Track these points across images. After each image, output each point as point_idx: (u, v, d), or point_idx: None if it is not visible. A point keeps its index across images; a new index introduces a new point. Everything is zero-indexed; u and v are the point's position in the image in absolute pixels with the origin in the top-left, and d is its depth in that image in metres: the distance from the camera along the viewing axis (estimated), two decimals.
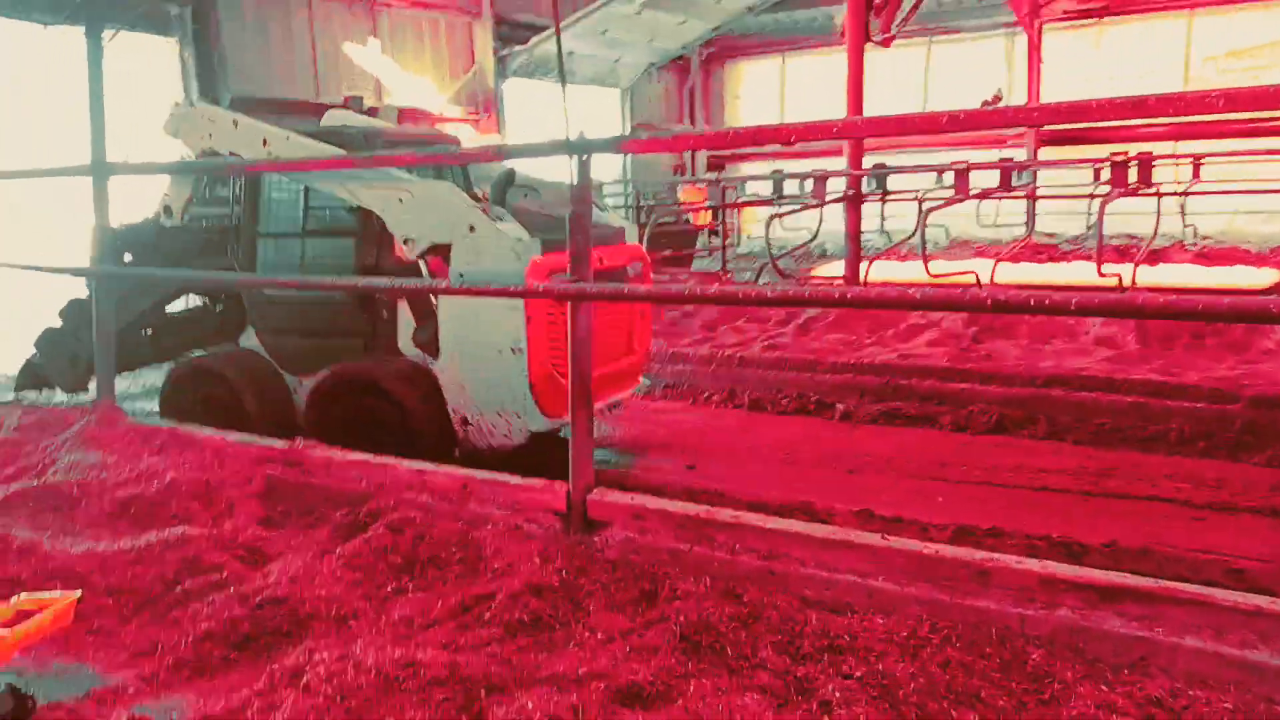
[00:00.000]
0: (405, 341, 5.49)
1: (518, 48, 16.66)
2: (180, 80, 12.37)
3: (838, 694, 2.64)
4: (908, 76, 18.90)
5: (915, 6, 12.10)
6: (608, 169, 18.40)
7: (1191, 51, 16.30)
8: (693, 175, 19.12)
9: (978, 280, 8.20)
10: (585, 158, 3.72)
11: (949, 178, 10.74)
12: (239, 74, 12.84)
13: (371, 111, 14.64)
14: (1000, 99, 15.83)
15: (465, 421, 5.24)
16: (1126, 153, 8.84)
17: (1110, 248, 12.15)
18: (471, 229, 4.96)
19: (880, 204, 12.10)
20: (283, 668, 2.82)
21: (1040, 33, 15.96)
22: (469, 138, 16.00)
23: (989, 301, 2.71)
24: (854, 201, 9.97)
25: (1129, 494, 5.19)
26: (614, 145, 4.02)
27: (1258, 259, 11.71)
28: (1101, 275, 7.96)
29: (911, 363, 7.27)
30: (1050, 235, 14.34)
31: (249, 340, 6.09)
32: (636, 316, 5.88)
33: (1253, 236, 13.81)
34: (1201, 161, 11.21)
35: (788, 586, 3.21)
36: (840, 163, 10.73)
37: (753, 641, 2.92)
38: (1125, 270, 8.44)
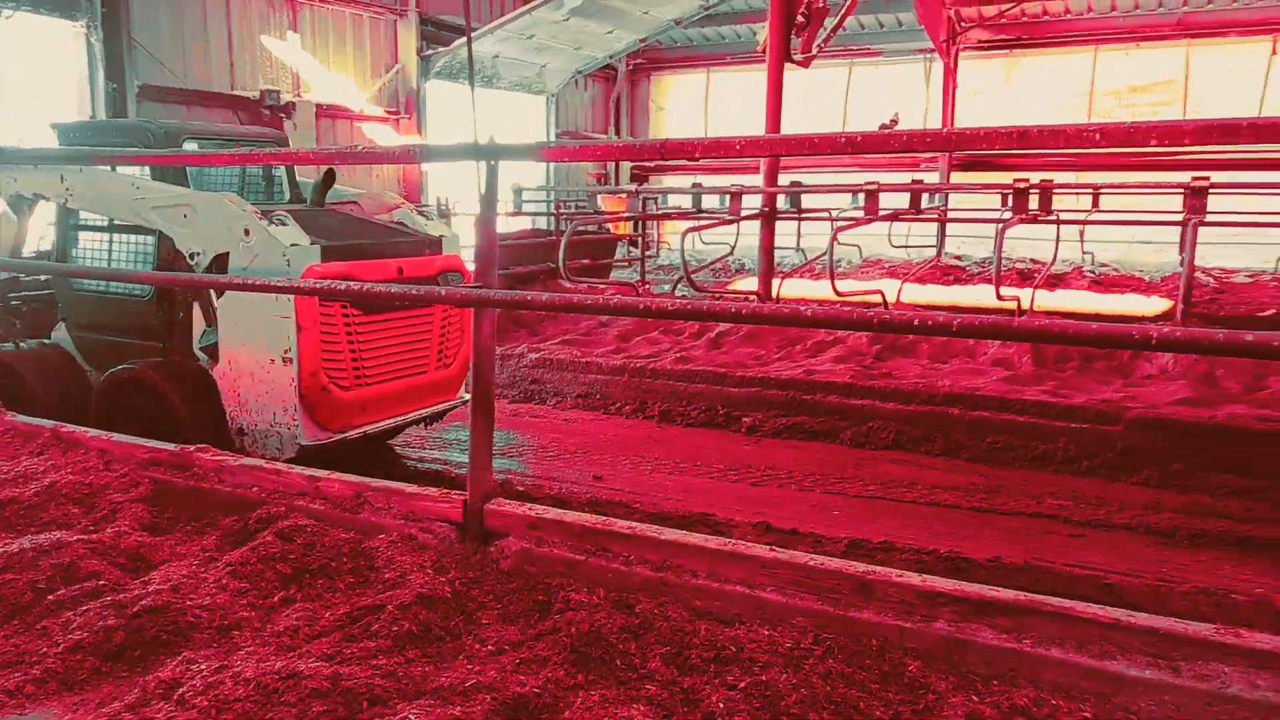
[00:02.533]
0: (197, 345, 5.52)
1: (442, 49, 16.53)
2: (86, 67, 11.92)
3: (722, 705, 2.68)
4: (829, 97, 19.33)
5: (836, 28, 12.39)
6: (531, 175, 18.36)
7: (1095, 85, 17.03)
8: (615, 185, 19.21)
9: (883, 299, 8.42)
10: (494, 163, 3.71)
11: (863, 198, 11.01)
12: (149, 62, 12.44)
13: (289, 107, 14.35)
14: (897, 122, 16.26)
15: (241, 431, 5.25)
16: (1029, 180, 9.18)
17: (1014, 271, 12.62)
18: (246, 233, 5.04)
19: (796, 221, 12.32)
20: (158, 680, 2.74)
21: (956, 60, 16.51)
22: (388, 138, 15.79)
23: (875, 321, 2.79)
24: (769, 218, 10.14)
25: (1016, 510, 5.39)
26: (525, 152, 4.01)
27: (1149, 287, 12.28)
28: (1000, 299, 8.25)
29: (816, 378, 7.43)
30: (958, 257, 14.82)
31: (59, 335, 6.21)
32: (452, 330, 5.87)
33: (1147, 265, 14.49)
34: (1100, 191, 11.71)
35: (680, 597, 3.25)
36: (759, 179, 10.91)
37: (642, 653, 2.95)
38: (1025, 294, 8.76)
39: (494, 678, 2.80)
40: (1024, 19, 16.36)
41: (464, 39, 16.28)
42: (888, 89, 18.74)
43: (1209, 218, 8.92)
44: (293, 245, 4.98)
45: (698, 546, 3.32)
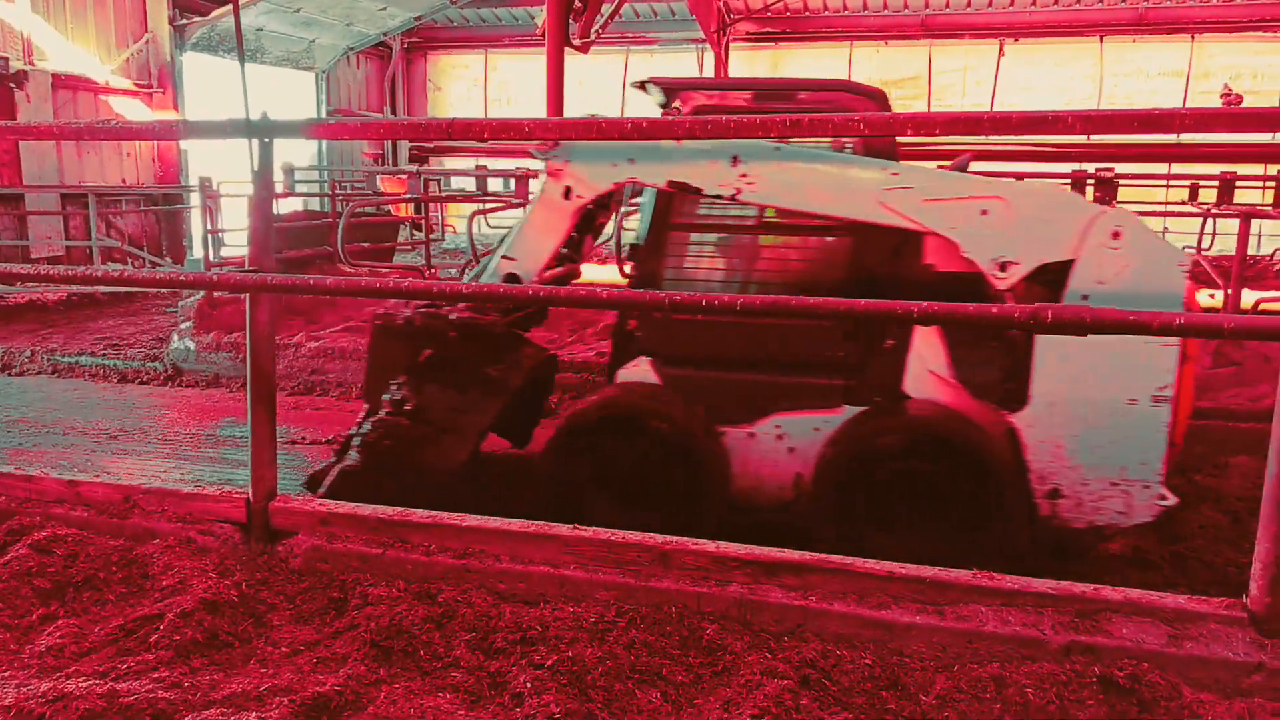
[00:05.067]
0: (918, 380, 4.24)
1: (197, 19, 15.36)
2: None
3: (529, 684, 2.70)
4: (607, 83, 19.60)
5: (613, 14, 12.59)
6: (301, 154, 17.45)
7: (852, 79, 18.26)
8: (394, 166, 18.63)
9: None
10: (267, 141, 3.51)
11: None
12: None
13: (19, 76, 12.89)
14: (679, 109, 16.79)
15: (1055, 494, 4.02)
16: None
17: None
18: (1115, 236, 3.79)
19: None
20: None
21: (727, 50, 17.19)
22: (139, 113, 14.52)
23: (667, 302, 2.88)
24: None
25: None
26: (300, 129, 3.83)
27: None
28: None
29: (608, 360, 7.56)
30: None
31: (636, 373, 4.53)
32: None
33: None
34: None
35: (484, 583, 3.23)
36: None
37: (446, 641, 2.92)
38: None
39: (290, 680, 2.69)
40: (788, 14, 17.28)
41: (222, 9, 15.22)
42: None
43: None
44: (1178, 251, 3.85)
45: (501, 530, 3.32)
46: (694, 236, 4.50)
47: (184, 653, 2.80)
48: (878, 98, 4.39)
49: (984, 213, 3.93)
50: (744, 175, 4.09)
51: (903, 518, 4.07)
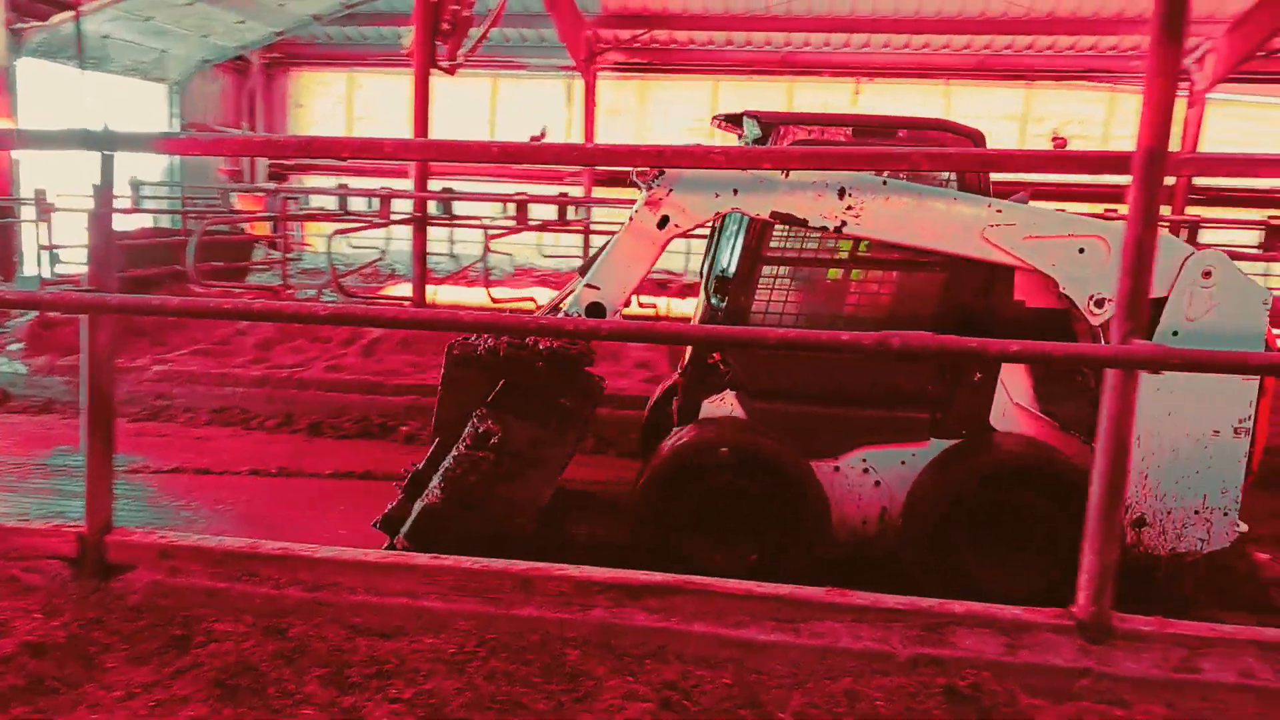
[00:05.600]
0: (1005, 414, 4.35)
1: (36, 22, 14.43)
2: None
3: (386, 719, 2.62)
4: (476, 107, 19.47)
5: (481, 38, 12.52)
6: (150, 169, 16.61)
7: (718, 111, 18.75)
8: (252, 183, 17.95)
9: (537, 306, 8.67)
10: (109, 154, 3.33)
11: (514, 207, 11.25)
12: None
13: None
14: (545, 135, 16.83)
15: (1141, 522, 4.18)
16: None
17: (653, 281, 13.50)
18: (1206, 275, 3.99)
19: (448, 228, 12.29)
20: None
21: (595, 78, 17.37)
22: None
23: (533, 325, 2.88)
24: (421, 223, 10.02)
25: None
26: (147, 142, 3.65)
27: None
28: (640, 305, 8.83)
29: None
30: None
31: (722, 407, 4.47)
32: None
33: None
34: None
35: (338, 616, 3.12)
36: (409, 184, 10.75)
37: (298, 677, 2.80)
38: (662, 301, 9.45)
39: None
40: (655, 45, 17.59)
41: (64, 13, 14.36)
42: (533, 103, 19.27)
43: None
44: (1267, 290, 4.01)
45: (356, 561, 3.22)
46: (787, 270, 4.45)
47: (4, 702, 2.59)
48: (975, 137, 4.45)
49: (1081, 250, 4.08)
50: (850, 208, 4.14)
51: (1002, 548, 4.16)
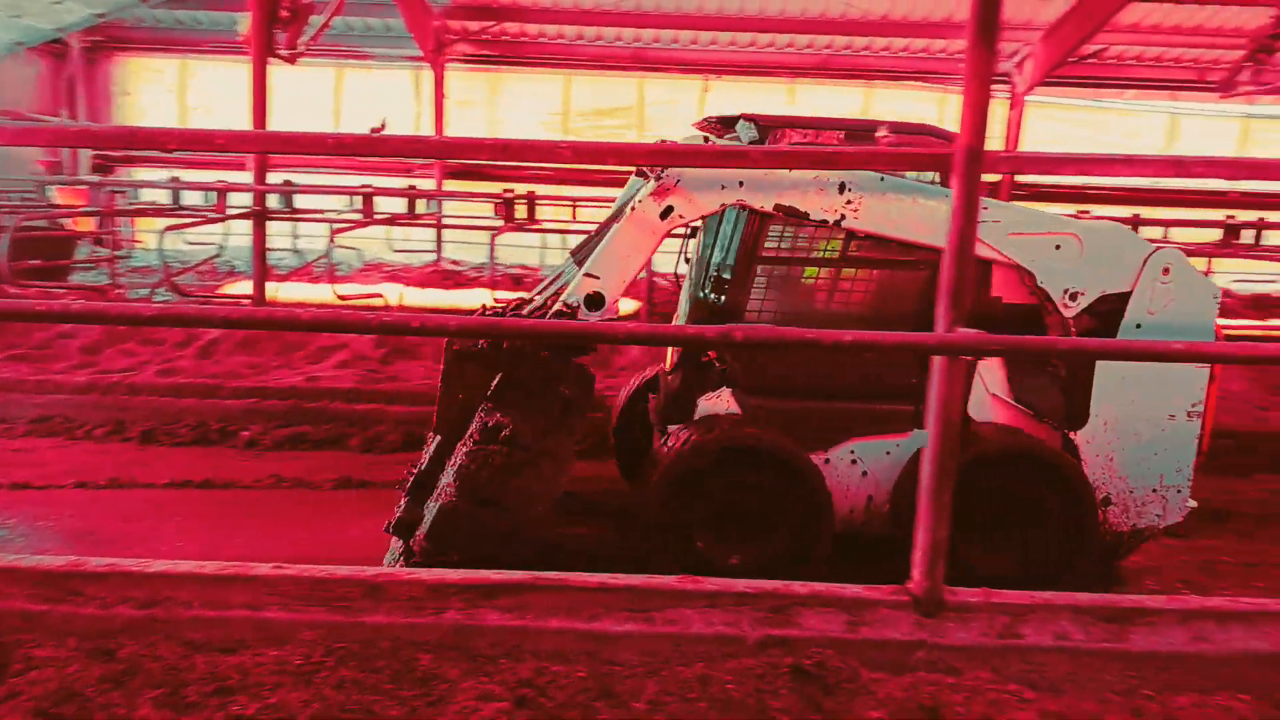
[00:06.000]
0: (982, 404, 4.55)
1: None
2: None
3: None
4: (320, 98, 18.77)
5: (323, 26, 12.09)
6: None
7: (571, 106, 18.70)
8: (73, 176, 16.75)
9: (386, 303, 8.44)
10: None
11: (361, 201, 10.91)
12: None
13: None
14: (385, 127, 16.34)
15: (1107, 501, 4.50)
16: (513, 190, 9.82)
17: (509, 277, 13.40)
18: (1165, 272, 4.35)
19: (290, 222, 11.82)
20: None
21: (444, 70, 17.03)
22: None
23: (375, 323, 2.80)
24: (260, 218, 9.59)
25: None
26: None
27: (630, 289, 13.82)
28: (496, 301, 8.72)
29: (320, 385, 7.23)
30: (456, 263, 15.33)
31: (718, 404, 4.55)
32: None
33: None
34: (578, 204, 12.90)
35: (173, 633, 2.97)
36: (248, 176, 10.26)
37: (129, 701, 2.65)
38: (518, 297, 9.37)
39: None
40: (505, 38, 17.40)
41: None
42: (380, 94, 18.70)
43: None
44: (1217, 288, 4.37)
45: (191, 574, 3.07)
46: (782, 270, 4.59)
47: None
48: (954, 139, 4.62)
49: (1058, 247, 4.41)
50: (849, 203, 4.34)
51: (993, 530, 4.38)
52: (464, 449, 3.99)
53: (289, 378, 7.48)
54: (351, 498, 5.73)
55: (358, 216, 10.62)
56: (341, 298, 9.21)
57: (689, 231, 5.40)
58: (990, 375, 4.59)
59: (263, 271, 9.48)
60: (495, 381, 4.03)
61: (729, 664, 2.90)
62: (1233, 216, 12.42)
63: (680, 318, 5.39)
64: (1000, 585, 3.27)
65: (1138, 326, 4.37)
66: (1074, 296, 4.43)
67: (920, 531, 3.10)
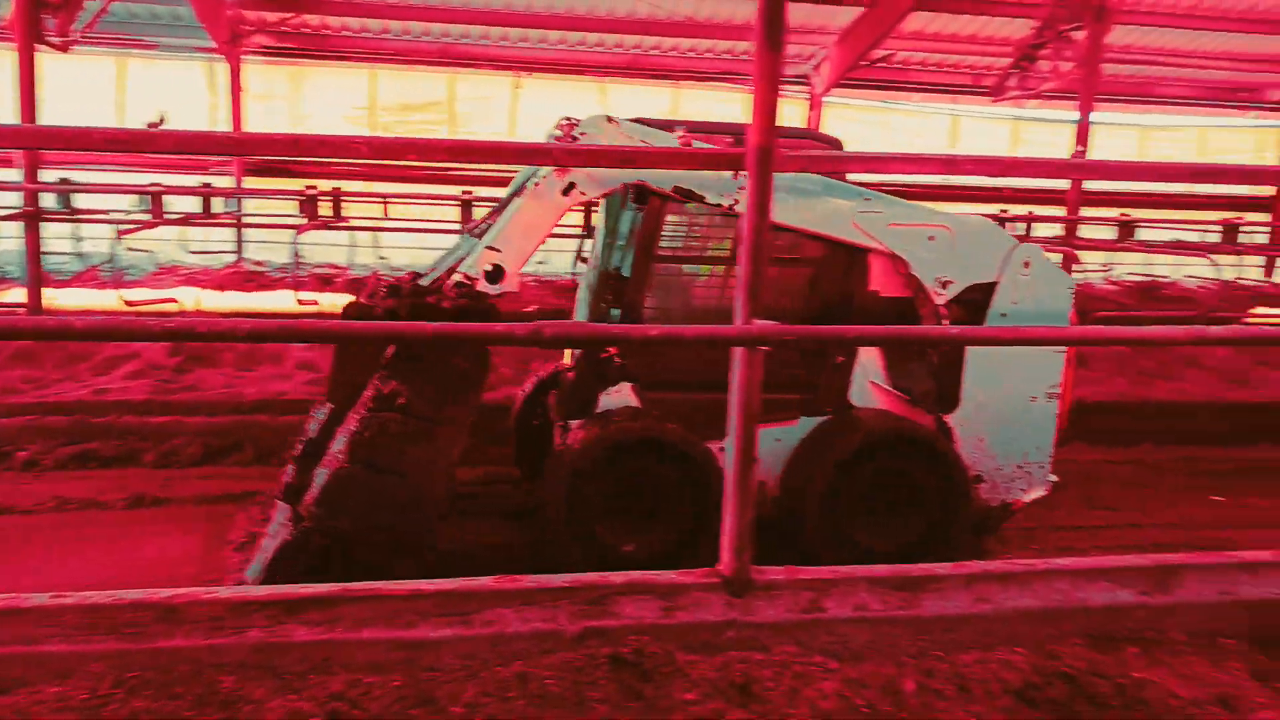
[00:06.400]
0: (862, 392, 4.87)
1: None
2: None
3: None
4: (102, 89, 17.38)
5: (101, 12, 11.20)
6: None
7: (378, 100, 18.14)
8: None
9: (181, 308, 7.94)
10: None
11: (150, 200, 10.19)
12: None
13: None
14: (165, 121, 15.31)
15: (979, 479, 4.84)
16: (316, 187, 9.45)
17: (316, 276, 12.86)
18: (1026, 265, 4.70)
19: (70, 223, 10.89)
20: None
21: (240, 62, 16.14)
22: None
23: (158, 329, 2.64)
24: (32, 219, 8.79)
25: None
26: None
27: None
28: (301, 303, 8.38)
29: (108, 398, 6.72)
30: (260, 263, 14.57)
31: (619, 398, 4.72)
32: None
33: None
34: (389, 200, 12.53)
35: None
36: (14, 174, 9.37)
37: None
38: (326, 298, 9.02)
39: None
40: (306, 30, 16.66)
41: None
42: (171, 87, 17.46)
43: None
44: (1071, 279, 4.77)
45: None
46: (676, 268, 4.86)
47: None
48: (834, 143, 5.26)
49: (931, 238, 4.70)
50: (742, 188, 4.27)
51: (879, 509, 4.67)
52: (357, 416, 3.90)
53: (73, 391, 6.91)
54: (145, 517, 5.38)
55: (147, 217, 9.90)
56: (129, 303, 8.57)
57: (585, 231, 5.66)
58: (870, 365, 4.90)
59: (38, 276, 8.69)
60: (390, 350, 3.95)
61: (547, 659, 2.92)
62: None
63: (577, 315, 5.53)
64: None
65: (1003, 315, 4.72)
66: (945, 285, 4.75)
67: (727, 516, 3.22)
